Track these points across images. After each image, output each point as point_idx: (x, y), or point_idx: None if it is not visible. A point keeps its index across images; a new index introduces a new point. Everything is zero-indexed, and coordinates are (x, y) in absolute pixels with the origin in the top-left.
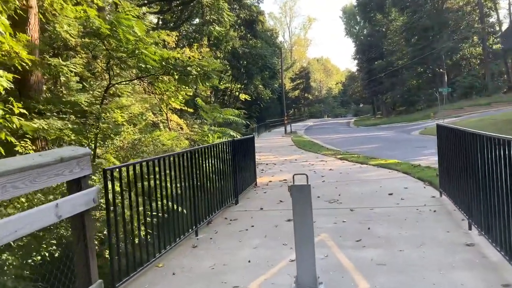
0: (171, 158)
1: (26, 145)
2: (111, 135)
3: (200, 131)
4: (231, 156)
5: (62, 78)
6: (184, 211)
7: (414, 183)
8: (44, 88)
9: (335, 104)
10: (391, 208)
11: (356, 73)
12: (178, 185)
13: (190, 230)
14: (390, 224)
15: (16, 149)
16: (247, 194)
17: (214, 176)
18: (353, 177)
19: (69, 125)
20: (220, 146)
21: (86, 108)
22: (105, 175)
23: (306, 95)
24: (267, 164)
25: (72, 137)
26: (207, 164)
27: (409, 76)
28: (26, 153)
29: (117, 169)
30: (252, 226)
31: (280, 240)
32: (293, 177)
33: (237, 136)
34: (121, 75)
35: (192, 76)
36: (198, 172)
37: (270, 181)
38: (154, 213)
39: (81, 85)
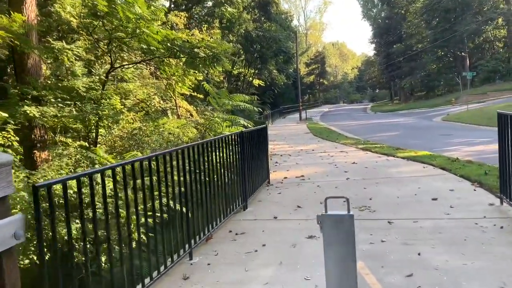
0: (143, 163)
1: (8, 135)
2: (109, 124)
3: (211, 118)
4: (239, 150)
5: (67, 63)
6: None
7: (459, 183)
8: (48, 73)
9: (351, 89)
10: (441, 221)
11: (373, 58)
12: (165, 189)
13: (181, 251)
14: (446, 248)
15: None
16: (259, 196)
17: (217, 176)
18: (382, 174)
19: (65, 113)
20: (226, 139)
21: (84, 94)
22: (35, 194)
23: (321, 80)
24: (281, 155)
25: (72, 125)
26: (208, 162)
27: (429, 60)
28: (6, 146)
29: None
30: (264, 245)
31: (300, 270)
32: (325, 202)
33: (249, 125)
34: (124, 58)
35: (200, 58)
36: (196, 171)
37: (285, 178)
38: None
39: (86, 69)
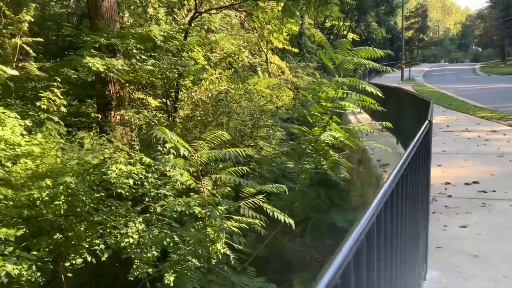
0: None
1: (53, 97)
2: (190, 82)
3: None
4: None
5: (150, 10)
6: None
7: None
8: (130, 22)
9: (452, 47)
10: None
11: (486, 11)
12: None
13: None
14: None
15: (38, 104)
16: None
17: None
18: None
19: (137, 66)
20: None
21: (161, 44)
22: None
23: (420, 36)
24: None
25: (148, 81)
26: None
27: None
28: (52, 111)
29: None
30: None
31: None
32: None
33: (376, 106)
34: (211, 2)
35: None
36: None
37: (447, 183)
38: None
39: (171, 17)
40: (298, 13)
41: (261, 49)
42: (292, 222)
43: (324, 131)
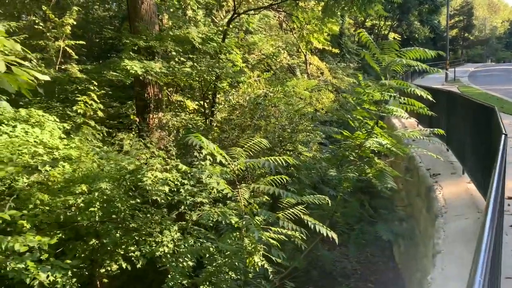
0: None
1: (89, 100)
2: (227, 84)
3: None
4: None
5: (188, 12)
6: None
7: None
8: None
9: (499, 46)
10: None
11: None
12: None
13: None
14: None
15: (74, 108)
16: None
17: None
18: None
19: (175, 69)
20: None
21: (199, 46)
22: None
23: (465, 35)
24: None
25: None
26: None
27: None
28: (88, 116)
29: None
30: None
31: None
32: None
33: (425, 111)
34: (250, 2)
35: None
36: None
37: (510, 198)
38: None
39: (210, 19)
40: (339, 13)
41: (299, 49)
42: (335, 236)
43: (369, 137)
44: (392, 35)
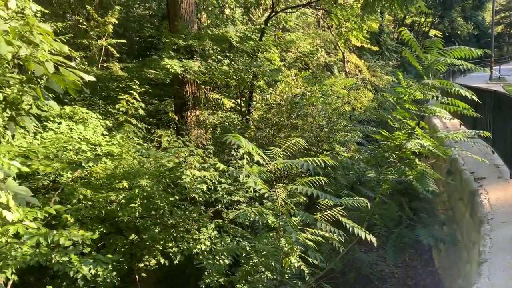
0: None
1: (131, 99)
2: (264, 83)
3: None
4: None
5: (227, 10)
6: None
7: None
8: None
9: None
10: None
11: None
12: None
13: None
14: None
15: (117, 107)
16: None
17: None
18: None
19: (212, 67)
20: None
21: (237, 45)
22: None
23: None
24: None
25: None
26: None
27: None
28: (130, 114)
29: None
30: None
31: None
32: None
33: (471, 112)
34: (288, 0)
35: None
36: None
37: None
38: None
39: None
40: (379, 10)
41: (337, 47)
42: (374, 240)
43: (410, 138)
44: (433, 32)
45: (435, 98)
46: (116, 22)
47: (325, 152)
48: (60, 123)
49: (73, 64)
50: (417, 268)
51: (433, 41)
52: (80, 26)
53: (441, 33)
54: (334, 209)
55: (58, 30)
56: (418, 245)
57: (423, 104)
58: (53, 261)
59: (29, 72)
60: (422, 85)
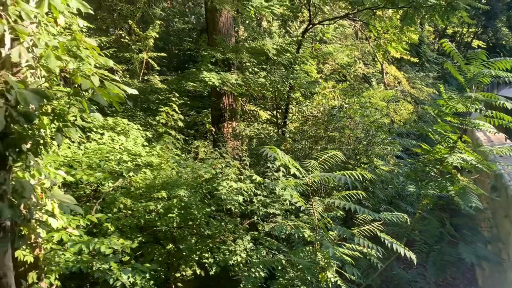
0: None
1: (171, 111)
2: (300, 94)
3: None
4: None
5: (264, 23)
6: None
7: None
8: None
9: None
10: None
11: None
12: None
13: None
14: None
15: (157, 118)
16: None
17: None
18: None
19: (249, 80)
20: None
21: (274, 57)
22: None
23: None
24: None
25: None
26: None
27: None
28: (170, 126)
29: None
30: None
31: None
32: None
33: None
34: (325, 12)
35: (427, 7)
36: None
37: None
38: None
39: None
40: (419, 21)
41: (375, 58)
42: (414, 256)
43: (451, 152)
44: (476, 43)
45: (478, 111)
46: (157, 36)
47: (363, 166)
48: (103, 134)
49: (116, 77)
50: (459, 287)
51: (476, 53)
52: (122, 40)
53: (484, 44)
54: (372, 224)
55: (102, 44)
56: (460, 263)
57: (465, 117)
58: (94, 268)
59: (76, 86)
60: (464, 98)
